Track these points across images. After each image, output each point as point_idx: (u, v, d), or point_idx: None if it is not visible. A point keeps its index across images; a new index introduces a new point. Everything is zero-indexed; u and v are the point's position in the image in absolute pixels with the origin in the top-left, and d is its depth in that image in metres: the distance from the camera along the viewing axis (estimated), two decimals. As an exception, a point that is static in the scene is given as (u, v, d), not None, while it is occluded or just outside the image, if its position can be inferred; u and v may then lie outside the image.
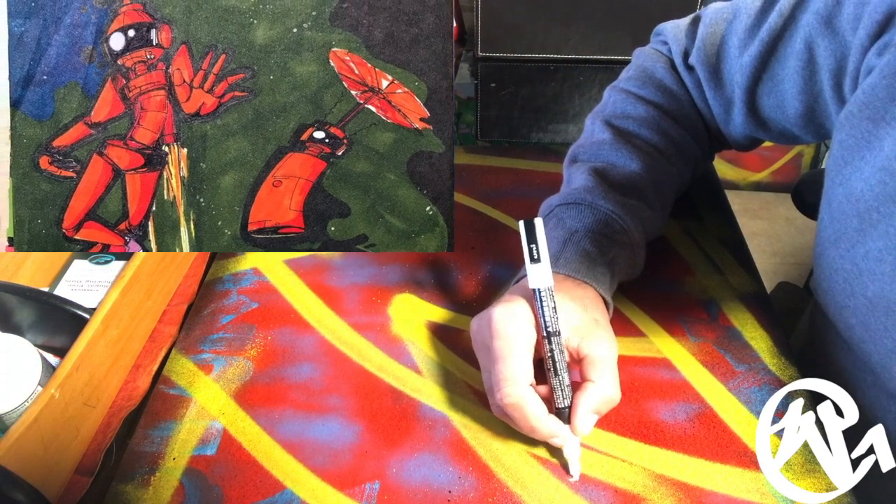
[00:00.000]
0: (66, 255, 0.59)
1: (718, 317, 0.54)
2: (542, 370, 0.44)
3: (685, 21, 0.59)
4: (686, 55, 0.57)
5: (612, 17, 0.90)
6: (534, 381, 0.43)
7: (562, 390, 0.43)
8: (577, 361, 0.44)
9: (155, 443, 0.46)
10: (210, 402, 0.49)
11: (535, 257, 0.43)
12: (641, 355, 0.51)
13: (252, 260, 0.61)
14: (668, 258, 0.60)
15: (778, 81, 0.50)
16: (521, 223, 0.44)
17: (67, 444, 0.45)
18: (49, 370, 0.47)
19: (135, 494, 0.43)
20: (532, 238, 0.43)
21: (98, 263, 0.58)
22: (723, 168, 1.90)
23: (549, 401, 0.44)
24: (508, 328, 0.43)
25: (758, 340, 0.52)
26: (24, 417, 0.41)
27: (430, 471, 0.44)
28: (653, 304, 0.55)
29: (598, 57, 0.94)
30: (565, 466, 0.44)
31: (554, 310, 0.43)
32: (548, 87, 0.90)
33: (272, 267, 0.60)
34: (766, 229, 1.85)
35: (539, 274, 0.43)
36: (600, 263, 0.48)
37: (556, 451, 0.45)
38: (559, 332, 0.43)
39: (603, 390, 0.43)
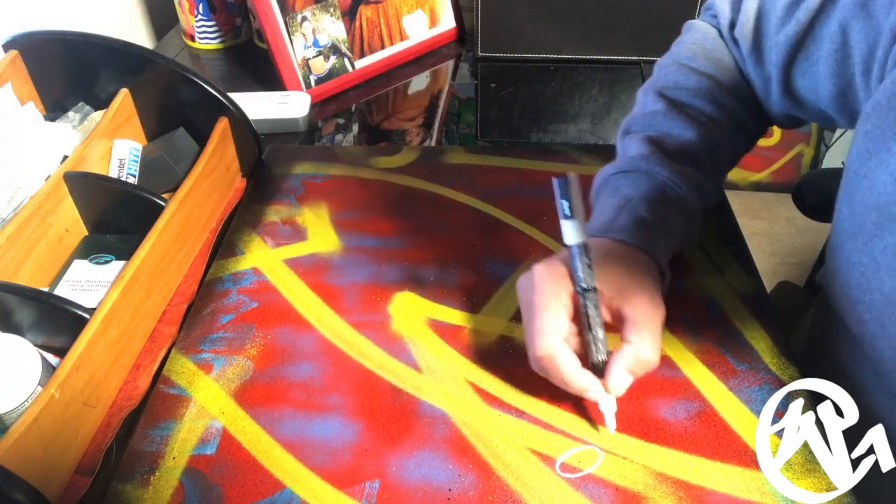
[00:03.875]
0: (66, 255, 0.59)
1: (719, 316, 0.54)
2: (580, 327, 0.45)
3: None
4: (732, 26, 0.56)
5: (612, 17, 0.90)
6: (570, 337, 0.44)
7: (595, 345, 0.44)
8: (619, 323, 0.45)
9: (155, 442, 0.46)
10: (210, 402, 0.49)
11: (568, 214, 0.44)
12: (641, 354, 0.51)
13: (252, 259, 0.61)
14: (668, 257, 0.60)
15: (813, 62, 0.49)
16: (555, 180, 0.44)
17: (67, 444, 0.45)
18: (49, 370, 0.47)
19: (135, 494, 0.43)
20: (565, 195, 0.44)
21: (98, 263, 0.58)
22: (723, 168, 1.89)
23: (584, 357, 0.44)
24: (546, 284, 0.44)
25: (758, 340, 0.52)
26: (24, 417, 0.41)
27: (430, 469, 0.44)
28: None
29: (598, 57, 0.94)
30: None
31: (588, 266, 0.44)
32: (548, 87, 0.90)
33: (272, 266, 0.60)
34: (766, 229, 1.85)
35: (572, 230, 0.44)
36: (654, 230, 0.48)
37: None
38: (594, 289, 0.44)
39: (639, 351, 0.43)
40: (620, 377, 0.43)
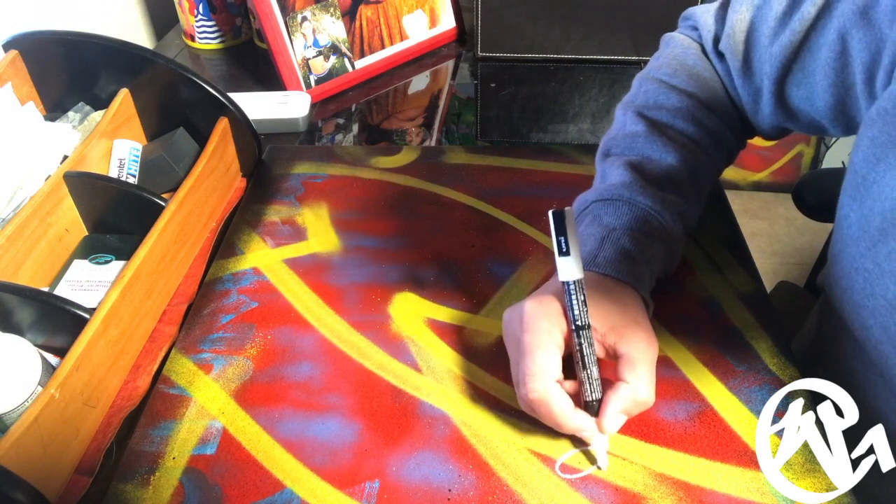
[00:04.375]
0: (66, 255, 0.59)
1: (719, 316, 0.54)
2: (571, 364, 0.44)
3: (715, 5, 0.57)
4: (717, 40, 0.55)
5: (612, 17, 0.90)
6: (561, 377, 0.43)
7: (590, 384, 0.43)
8: (613, 359, 0.44)
9: (155, 442, 0.46)
10: (210, 402, 0.49)
11: (564, 250, 0.43)
12: (641, 355, 0.51)
13: (252, 259, 0.61)
14: (668, 258, 0.60)
15: (808, 73, 0.48)
16: (551, 214, 0.43)
17: (67, 444, 0.45)
18: (49, 370, 0.47)
19: (135, 494, 0.43)
20: (561, 230, 0.43)
21: (98, 263, 0.58)
22: (723, 168, 1.89)
23: (577, 395, 0.44)
24: (538, 323, 0.43)
25: (758, 340, 0.52)
26: (24, 417, 0.41)
27: (430, 469, 0.44)
28: (653, 302, 0.55)
29: (598, 57, 0.93)
30: (593, 459, 0.44)
31: (583, 303, 0.43)
32: (548, 87, 0.90)
33: (272, 266, 0.60)
34: (766, 229, 1.85)
35: (568, 267, 0.43)
36: (639, 262, 0.48)
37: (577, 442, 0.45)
38: (589, 326, 0.43)
39: (636, 392, 0.42)
40: (616, 418, 0.43)
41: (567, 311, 0.43)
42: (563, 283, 0.43)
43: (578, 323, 0.43)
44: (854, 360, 0.50)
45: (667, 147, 0.53)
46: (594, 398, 0.43)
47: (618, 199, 0.50)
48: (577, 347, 0.43)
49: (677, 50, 0.58)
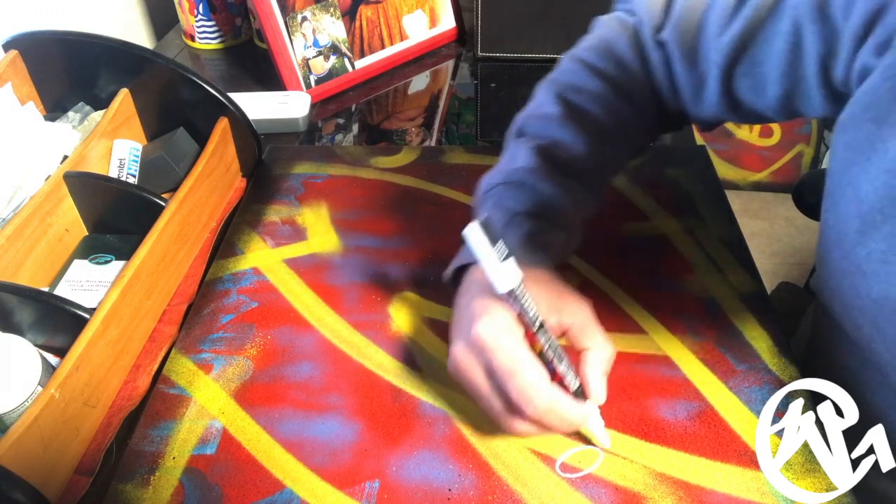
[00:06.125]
0: (66, 254, 0.59)
1: (719, 316, 0.54)
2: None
3: None
4: (658, 29, 0.55)
5: (612, 17, 0.90)
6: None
7: (571, 374, 0.43)
8: (561, 335, 0.44)
9: (155, 442, 0.46)
10: (210, 402, 0.49)
11: (507, 253, 0.41)
12: (642, 353, 0.51)
13: (252, 259, 0.61)
14: (668, 257, 0.60)
15: (757, 63, 0.49)
16: (477, 225, 0.40)
17: (67, 444, 0.45)
18: (49, 370, 0.47)
19: (134, 494, 0.43)
20: (494, 237, 0.40)
21: (98, 263, 0.58)
22: (723, 168, 1.89)
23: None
24: (504, 339, 0.41)
25: (758, 340, 0.52)
26: (24, 417, 0.41)
27: (430, 469, 0.44)
28: (654, 302, 0.55)
29: (598, 57, 0.93)
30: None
31: (531, 300, 0.42)
32: (548, 86, 0.90)
33: (272, 266, 0.60)
34: (766, 229, 1.85)
35: (512, 270, 0.41)
36: (539, 246, 0.48)
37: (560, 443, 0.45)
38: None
39: (601, 350, 0.43)
40: (602, 383, 0.43)
41: (523, 314, 0.42)
42: (510, 290, 0.41)
43: (540, 320, 0.42)
44: (850, 359, 0.50)
45: (579, 134, 0.53)
46: (578, 385, 0.43)
47: (522, 184, 0.50)
48: (547, 345, 0.42)
49: (609, 34, 0.57)
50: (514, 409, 0.41)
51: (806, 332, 0.64)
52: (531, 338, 0.43)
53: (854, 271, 0.42)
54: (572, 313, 0.44)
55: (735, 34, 0.49)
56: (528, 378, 0.40)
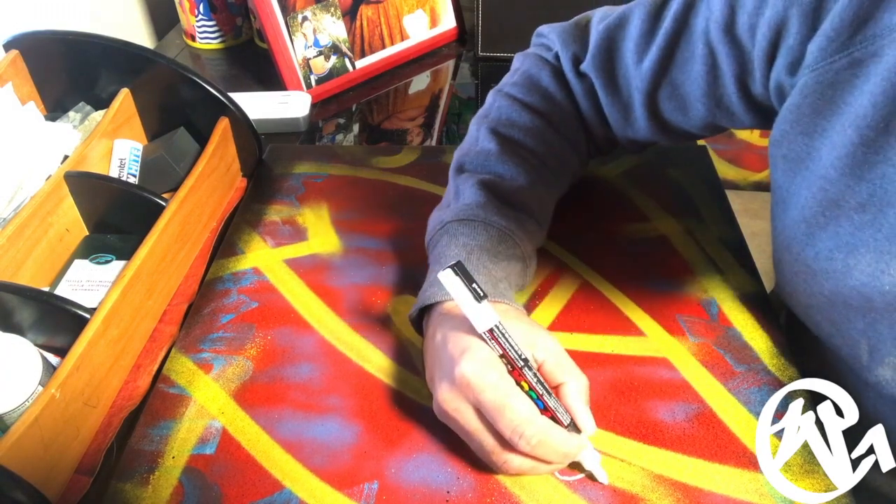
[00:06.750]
0: (67, 254, 0.59)
1: (718, 317, 0.54)
2: None
3: (571, 24, 0.59)
4: (577, 61, 0.57)
5: (613, 17, 0.90)
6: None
7: (561, 408, 0.42)
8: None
9: (154, 441, 0.46)
10: (209, 402, 0.49)
11: (482, 293, 0.41)
12: (641, 354, 0.51)
13: (252, 259, 0.61)
14: (668, 258, 0.60)
15: (678, 85, 0.51)
16: (450, 270, 0.41)
17: (68, 444, 0.45)
18: (49, 370, 0.48)
19: (134, 493, 0.44)
20: (468, 278, 0.41)
21: (98, 263, 0.58)
22: (723, 168, 1.89)
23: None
24: (489, 376, 0.41)
25: (757, 341, 0.52)
26: (25, 417, 0.41)
27: (428, 471, 0.44)
28: (653, 303, 0.55)
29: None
30: (592, 477, 0.43)
31: (512, 336, 0.41)
32: (548, 86, 0.90)
33: (272, 266, 0.60)
34: (766, 229, 1.84)
35: (488, 310, 0.41)
36: (500, 279, 0.49)
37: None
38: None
39: (579, 382, 0.43)
40: (589, 414, 0.42)
41: (507, 351, 0.41)
42: (491, 327, 0.41)
43: (524, 356, 0.41)
44: (822, 355, 0.50)
45: (518, 167, 0.54)
46: (569, 420, 0.42)
47: (473, 220, 0.51)
48: (535, 380, 0.41)
49: (532, 69, 0.59)
50: (507, 444, 0.41)
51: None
52: (517, 375, 0.42)
53: (805, 271, 0.44)
54: (545, 349, 0.43)
55: (654, 60, 0.51)
56: (518, 412, 0.40)
